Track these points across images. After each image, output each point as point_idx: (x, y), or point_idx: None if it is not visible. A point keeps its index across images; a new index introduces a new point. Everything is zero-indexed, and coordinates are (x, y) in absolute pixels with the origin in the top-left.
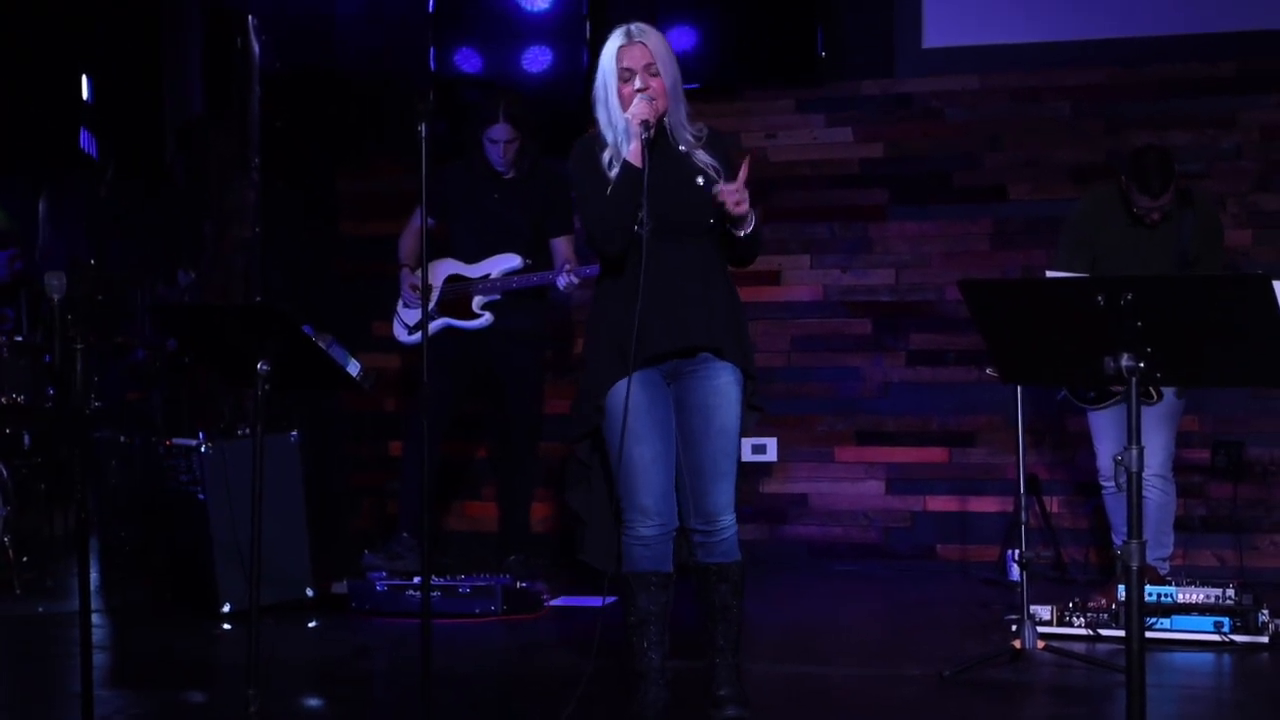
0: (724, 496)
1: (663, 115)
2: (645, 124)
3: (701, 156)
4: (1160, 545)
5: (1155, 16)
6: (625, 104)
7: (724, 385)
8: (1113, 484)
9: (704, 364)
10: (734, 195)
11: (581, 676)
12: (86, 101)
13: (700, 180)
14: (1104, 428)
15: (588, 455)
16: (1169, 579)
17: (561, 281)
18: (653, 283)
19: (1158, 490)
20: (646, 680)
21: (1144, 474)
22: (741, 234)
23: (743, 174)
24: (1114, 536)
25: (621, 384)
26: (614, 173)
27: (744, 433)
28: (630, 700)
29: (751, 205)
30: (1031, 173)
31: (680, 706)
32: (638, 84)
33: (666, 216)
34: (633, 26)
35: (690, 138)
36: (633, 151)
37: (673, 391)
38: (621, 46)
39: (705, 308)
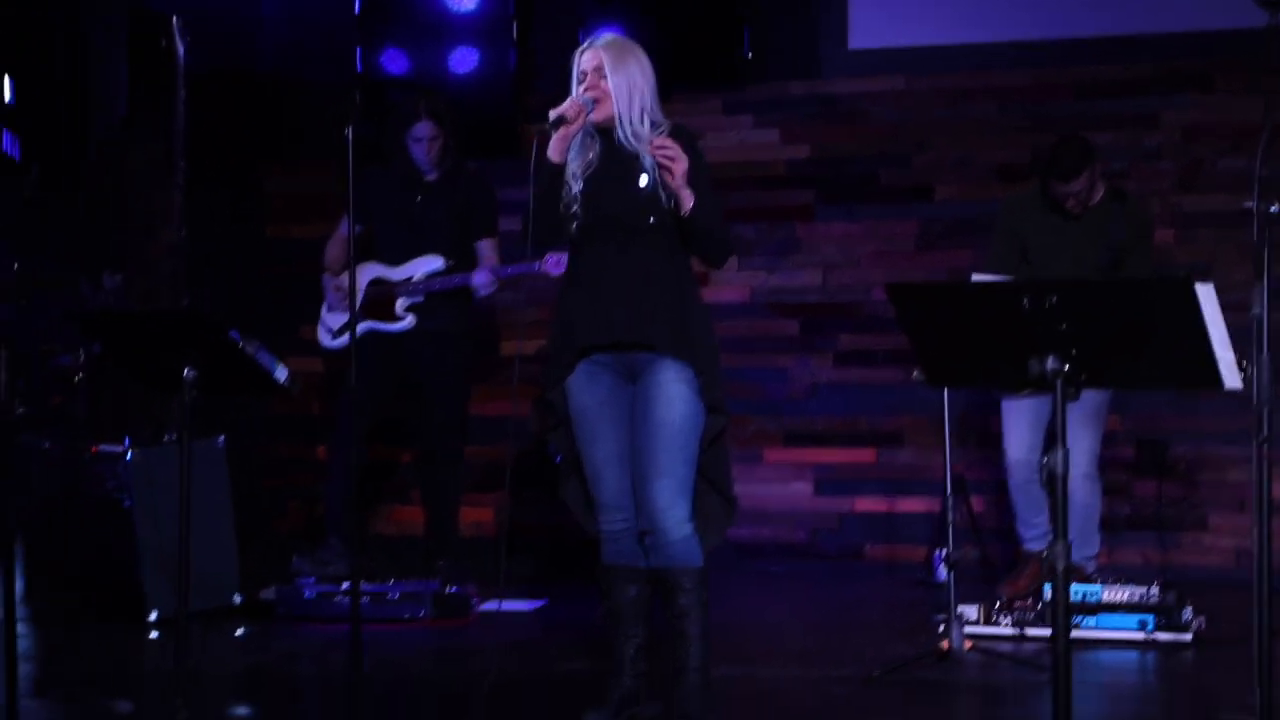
0: (663, 495)
1: (608, 118)
2: (560, 119)
3: (651, 161)
4: (1087, 545)
5: (1078, 18)
6: None
7: (664, 380)
8: (1022, 474)
9: (651, 361)
10: (664, 143)
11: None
12: (8, 103)
13: (643, 181)
14: (1016, 417)
15: (565, 448)
16: (1094, 577)
17: (479, 281)
18: (591, 278)
19: (1084, 491)
20: (619, 671)
21: (1074, 471)
22: (684, 214)
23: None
24: (1019, 527)
25: (573, 378)
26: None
27: (708, 434)
28: (603, 689)
29: (699, 191)
30: (958, 173)
31: (654, 699)
32: (585, 85)
33: (608, 214)
34: (601, 35)
35: (648, 144)
36: (551, 145)
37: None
38: (581, 50)
39: (641, 303)
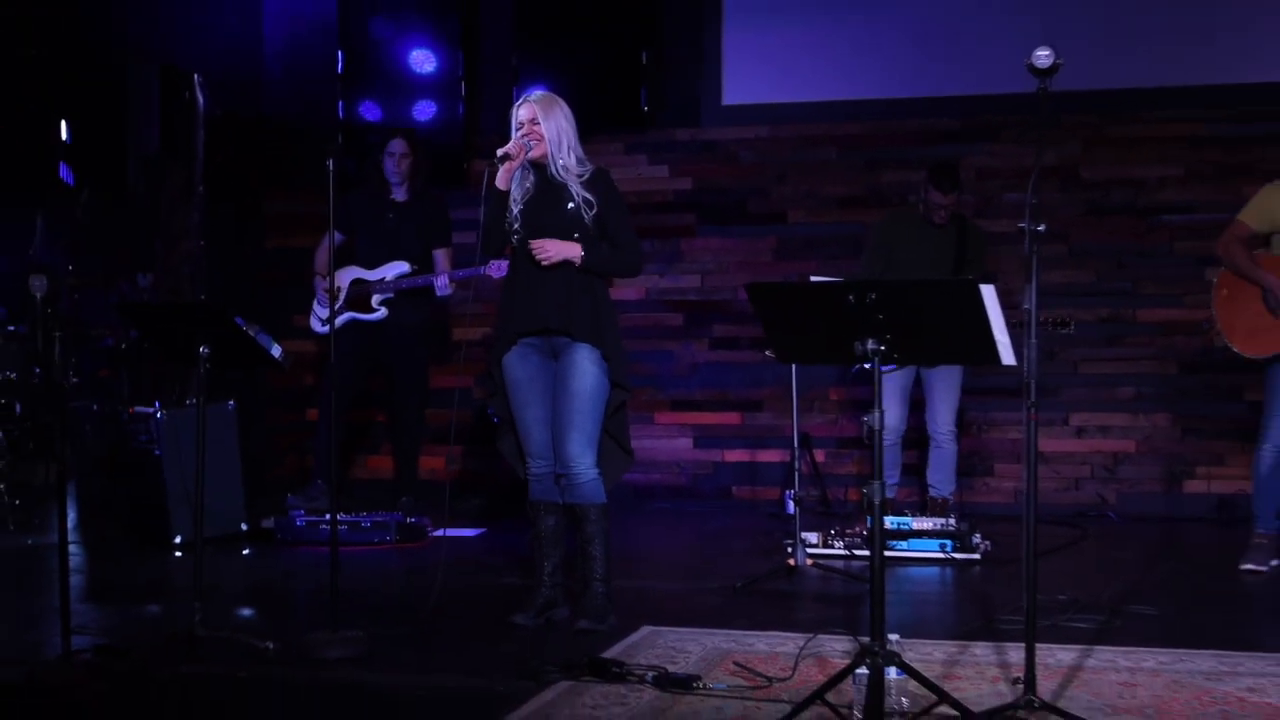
0: (575, 446)
1: (542, 156)
2: (505, 155)
3: (576, 189)
4: (950, 482)
5: (902, 81)
6: None
7: (578, 359)
8: (889, 439)
9: (569, 344)
10: (539, 249)
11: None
12: (65, 141)
13: (570, 205)
14: (885, 391)
15: (502, 410)
16: (953, 510)
17: (439, 283)
18: (526, 280)
19: (949, 441)
20: (540, 583)
21: (942, 431)
22: (578, 265)
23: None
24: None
25: (509, 355)
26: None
27: (612, 403)
28: (528, 596)
29: (612, 220)
30: (807, 202)
31: (567, 604)
32: (523, 131)
33: (540, 229)
34: (534, 92)
35: (575, 176)
36: (498, 176)
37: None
38: (518, 105)
39: (563, 299)
